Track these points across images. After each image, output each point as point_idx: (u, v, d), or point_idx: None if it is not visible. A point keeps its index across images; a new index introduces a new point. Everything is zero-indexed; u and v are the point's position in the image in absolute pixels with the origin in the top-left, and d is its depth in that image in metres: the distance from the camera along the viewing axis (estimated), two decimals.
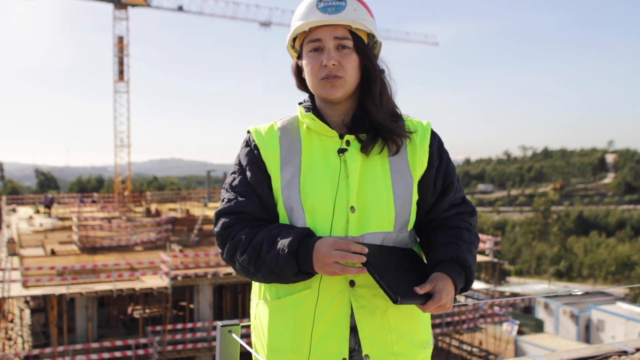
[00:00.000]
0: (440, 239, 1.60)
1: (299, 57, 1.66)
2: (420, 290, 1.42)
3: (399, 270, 1.48)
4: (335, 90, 1.56)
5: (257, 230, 1.54)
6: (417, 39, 53.82)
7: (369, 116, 1.60)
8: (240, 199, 1.59)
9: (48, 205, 33.71)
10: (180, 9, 41.98)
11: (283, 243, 1.46)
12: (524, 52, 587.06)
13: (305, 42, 1.60)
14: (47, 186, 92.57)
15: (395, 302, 1.36)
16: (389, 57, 1.66)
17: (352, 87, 1.59)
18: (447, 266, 1.52)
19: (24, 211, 35.47)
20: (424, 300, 1.43)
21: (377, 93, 1.60)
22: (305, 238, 1.47)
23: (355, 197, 1.53)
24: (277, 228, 1.53)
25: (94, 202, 40.64)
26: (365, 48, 1.59)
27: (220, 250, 1.61)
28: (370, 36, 1.63)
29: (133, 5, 39.81)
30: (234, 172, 1.65)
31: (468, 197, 1.85)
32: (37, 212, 34.45)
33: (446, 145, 1.68)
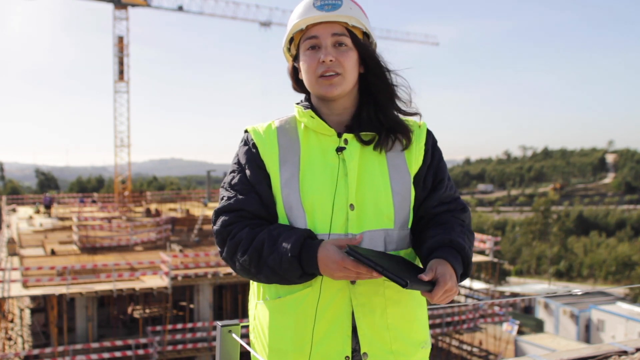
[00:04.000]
0: (431, 232, 1.58)
1: (295, 59, 1.66)
2: (426, 277, 1.39)
3: (399, 267, 1.48)
4: (333, 87, 1.55)
5: (258, 230, 1.52)
6: (418, 39, 53.94)
7: (383, 112, 1.60)
8: (239, 196, 1.58)
9: (48, 205, 33.72)
10: (180, 9, 41.96)
11: (285, 247, 1.46)
12: (524, 52, 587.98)
13: (302, 40, 1.60)
14: (47, 186, 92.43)
15: (404, 286, 1.33)
16: (388, 57, 1.66)
17: (350, 85, 1.59)
18: (443, 251, 1.51)
19: (24, 211, 35.47)
20: (430, 287, 1.40)
21: (387, 87, 1.60)
22: (307, 240, 1.47)
23: (354, 195, 1.53)
24: (278, 229, 1.52)
25: (94, 202, 40.64)
26: (363, 43, 1.60)
27: (219, 249, 1.59)
28: (366, 35, 1.64)
29: (133, 5, 39.80)
30: (233, 171, 1.64)
31: (468, 197, 1.84)
32: (38, 212, 34.47)
33: (447, 145, 1.71)
